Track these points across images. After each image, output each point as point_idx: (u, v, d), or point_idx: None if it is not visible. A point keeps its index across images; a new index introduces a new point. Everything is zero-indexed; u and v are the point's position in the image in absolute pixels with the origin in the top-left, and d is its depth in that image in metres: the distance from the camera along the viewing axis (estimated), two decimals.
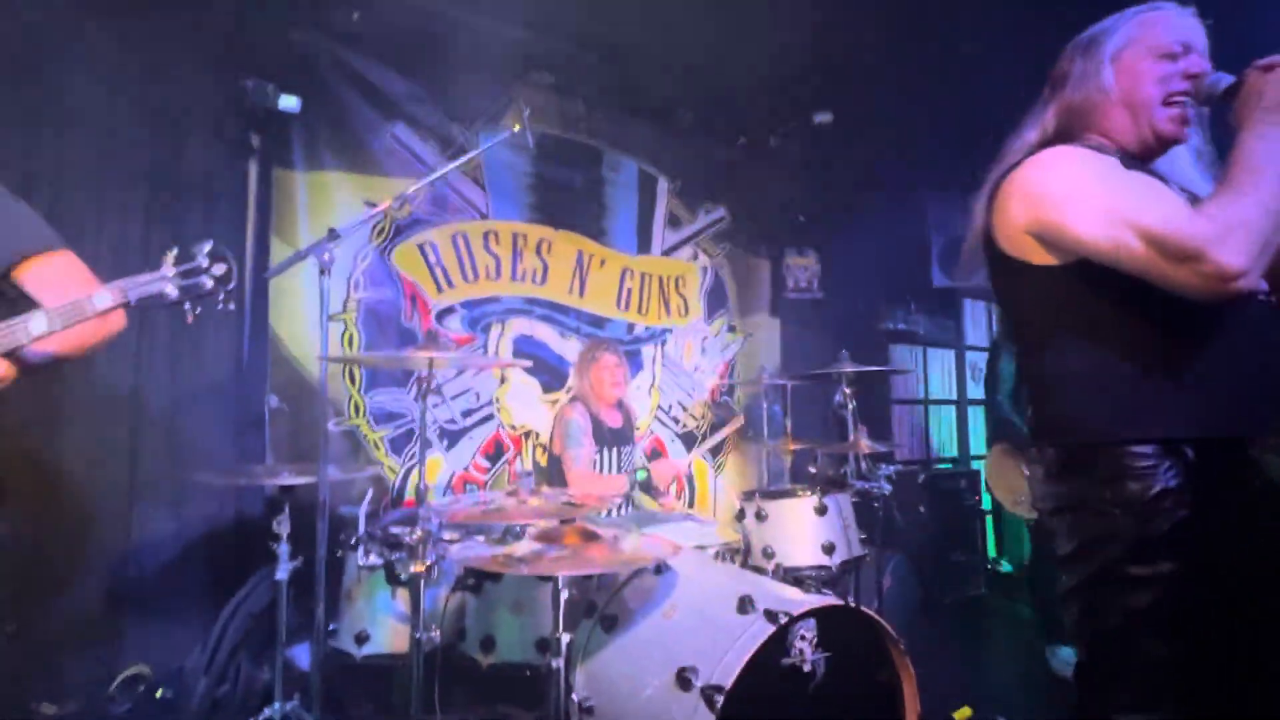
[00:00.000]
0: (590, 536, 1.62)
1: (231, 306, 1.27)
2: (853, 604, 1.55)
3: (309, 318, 2.58)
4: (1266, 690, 1.00)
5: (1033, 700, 2.34)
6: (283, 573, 1.89)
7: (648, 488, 2.87)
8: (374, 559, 1.71)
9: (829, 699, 1.51)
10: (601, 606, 1.80)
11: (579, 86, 3.34)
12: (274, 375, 2.55)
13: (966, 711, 1.50)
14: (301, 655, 2.18)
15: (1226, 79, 1.02)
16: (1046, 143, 1.11)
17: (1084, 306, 1.03)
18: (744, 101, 3.65)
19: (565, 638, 1.54)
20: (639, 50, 3.19)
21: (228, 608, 2.13)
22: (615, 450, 2.75)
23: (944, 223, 4.28)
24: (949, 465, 4.53)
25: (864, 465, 2.40)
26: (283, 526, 1.91)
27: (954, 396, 4.78)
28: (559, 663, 1.54)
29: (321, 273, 1.83)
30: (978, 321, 4.91)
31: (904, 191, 4.36)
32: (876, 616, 1.57)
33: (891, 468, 2.46)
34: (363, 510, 1.78)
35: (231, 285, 1.25)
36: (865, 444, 2.32)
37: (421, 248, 2.92)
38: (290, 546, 1.91)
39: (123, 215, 2.33)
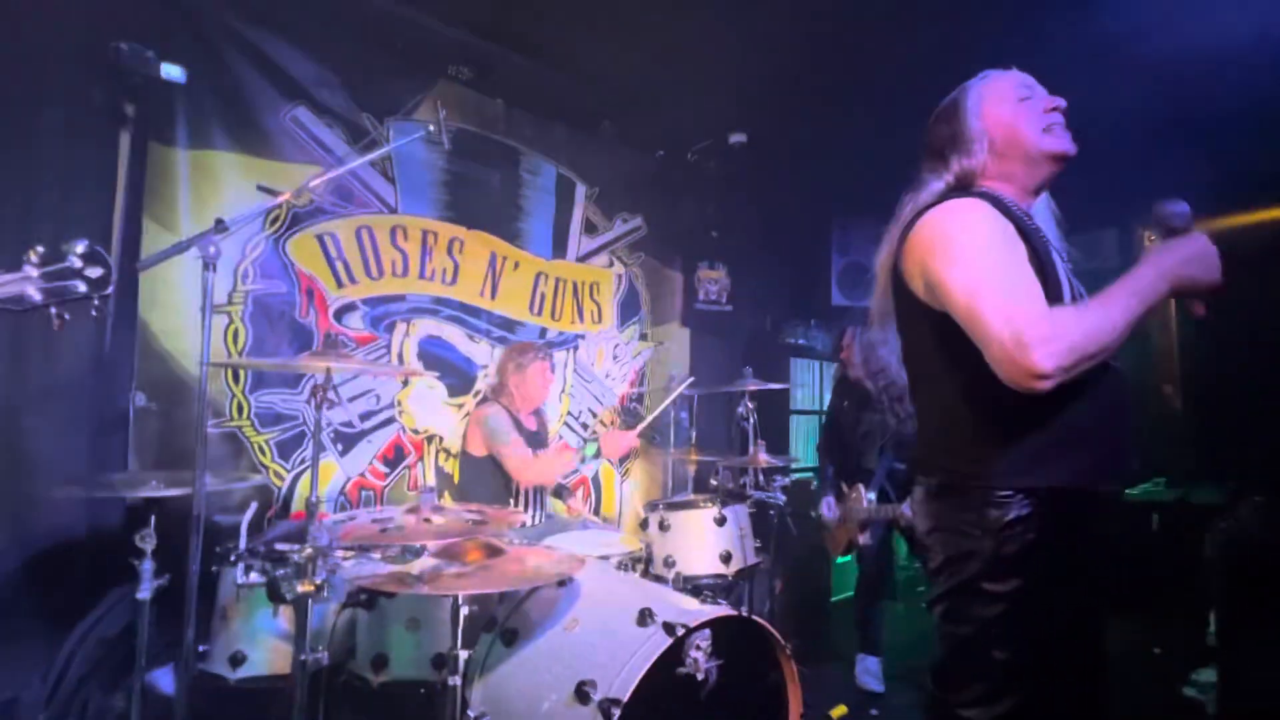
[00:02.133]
0: (493, 551, 1.61)
1: (96, 311, 1.14)
2: (745, 613, 1.64)
3: (187, 310, 2.36)
4: (1090, 689, 1.16)
5: (911, 697, 2.57)
6: (145, 591, 1.73)
7: (562, 489, 2.86)
8: (255, 576, 1.60)
9: (720, 704, 1.59)
10: (502, 621, 1.79)
11: (499, 85, 3.27)
12: (142, 371, 2.31)
13: (842, 709, 1.62)
14: (165, 680, 1.99)
15: (1182, 218, 1.09)
16: (951, 191, 1.20)
17: (963, 354, 1.10)
18: (664, 116, 3.73)
19: (464, 654, 1.52)
20: (562, 56, 3.18)
21: (75, 633, 1.91)
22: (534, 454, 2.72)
23: (845, 246, 4.60)
24: None
25: (761, 477, 2.52)
26: (147, 541, 1.74)
27: None
28: (456, 680, 1.52)
29: (206, 267, 1.69)
30: None
31: (810, 214, 4.63)
32: (766, 624, 1.67)
33: (786, 480, 2.61)
34: (245, 522, 1.66)
35: (109, 290, 1.13)
36: (763, 458, 2.44)
37: (321, 239, 2.75)
38: (155, 563, 1.74)
39: None
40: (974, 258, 1.07)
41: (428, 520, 1.42)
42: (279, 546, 1.61)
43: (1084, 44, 2.75)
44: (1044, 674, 1.09)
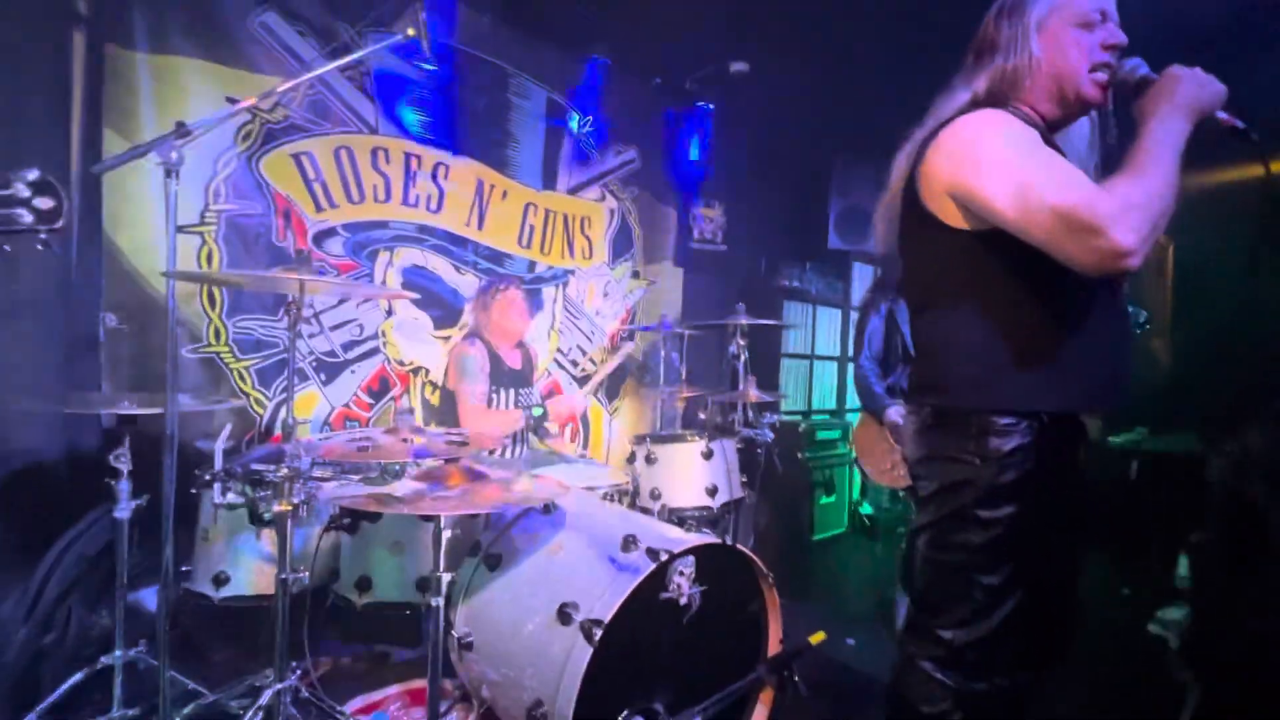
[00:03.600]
0: (476, 476, 1.58)
1: (43, 245, 1.07)
2: (729, 542, 1.64)
3: (155, 226, 2.25)
4: (1063, 607, 1.20)
5: (878, 626, 2.65)
6: (123, 511, 1.71)
7: (540, 428, 2.85)
8: (232, 497, 1.58)
9: (702, 628, 1.61)
10: (487, 545, 1.79)
11: (488, 0, 3.06)
12: (111, 291, 2.22)
13: (820, 635, 1.66)
14: (150, 599, 2.00)
15: (1144, 68, 1.09)
16: (977, 104, 1.15)
17: (980, 276, 1.10)
18: (663, 41, 3.52)
19: (446, 577, 1.51)
20: None
21: (54, 548, 1.90)
22: (513, 391, 2.69)
23: (845, 188, 4.45)
24: (827, 416, 4.88)
25: (750, 414, 2.51)
26: (123, 461, 1.70)
27: (838, 354, 5.10)
28: (439, 601, 1.52)
29: (168, 174, 1.57)
30: (865, 284, 5.23)
31: (811, 153, 4.47)
32: (750, 553, 1.67)
33: (775, 417, 2.60)
34: (220, 444, 1.62)
35: (59, 224, 1.05)
36: (753, 394, 2.42)
37: (297, 159, 2.61)
38: (131, 484, 1.71)
39: None
40: (1014, 159, 1.02)
41: (406, 440, 1.38)
42: (255, 467, 1.58)
43: None
44: (1024, 594, 1.09)
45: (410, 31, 1.91)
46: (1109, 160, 1.19)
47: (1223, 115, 1.04)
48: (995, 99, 1.15)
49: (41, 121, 2.12)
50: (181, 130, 1.58)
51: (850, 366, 5.04)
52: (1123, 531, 3.35)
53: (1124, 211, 0.93)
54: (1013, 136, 1.06)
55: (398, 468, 1.49)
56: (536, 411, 2.59)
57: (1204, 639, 2.28)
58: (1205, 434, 3.00)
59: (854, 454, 2.68)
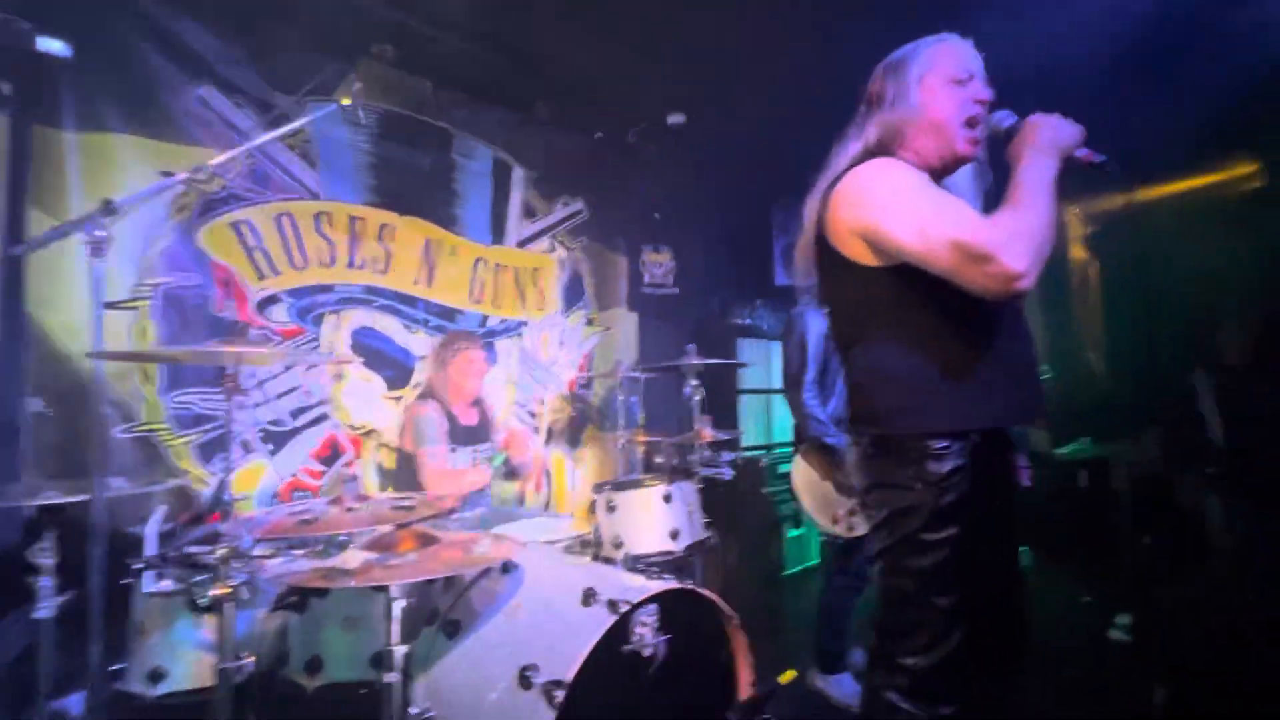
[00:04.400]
0: (428, 541, 1.54)
1: None
2: (690, 586, 1.62)
3: (84, 306, 2.16)
4: (1014, 619, 1.25)
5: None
6: (45, 610, 1.59)
7: (510, 473, 2.80)
8: (166, 584, 1.49)
9: (671, 678, 1.57)
10: (444, 612, 1.72)
11: (426, 65, 3.14)
12: (37, 375, 2.12)
13: (791, 674, 1.64)
14: (77, 706, 1.85)
15: (1010, 119, 1.22)
16: (869, 154, 1.27)
17: (898, 308, 1.19)
18: (602, 97, 3.66)
19: (400, 650, 1.45)
20: (492, 35, 3.08)
21: None
22: (471, 450, 2.64)
23: (785, 226, 4.65)
24: (789, 449, 4.92)
25: (708, 453, 2.52)
26: (45, 556, 1.60)
27: None
28: (394, 677, 1.45)
29: (94, 254, 1.54)
30: None
31: (751, 195, 4.66)
32: (712, 596, 1.66)
33: (734, 454, 2.62)
34: (152, 528, 1.54)
35: None
36: (708, 433, 2.44)
37: (237, 228, 2.59)
38: (56, 580, 1.60)
39: None
40: (911, 199, 1.14)
41: (351, 510, 1.34)
42: (190, 550, 1.50)
43: (1008, 23, 2.82)
44: (976, 612, 1.12)
45: (345, 101, 1.95)
46: (989, 202, 1.30)
47: (1082, 152, 1.17)
48: (884, 148, 1.27)
49: None
50: (108, 208, 1.56)
51: None
52: (1078, 540, 3.45)
53: (1011, 240, 1.04)
54: (907, 179, 1.18)
55: (343, 538, 1.44)
56: (496, 460, 2.56)
57: (1153, 640, 2.35)
58: (1104, 439, 3.16)
59: (795, 493, 2.56)
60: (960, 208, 1.12)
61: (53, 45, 2.11)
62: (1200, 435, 2.56)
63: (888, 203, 1.14)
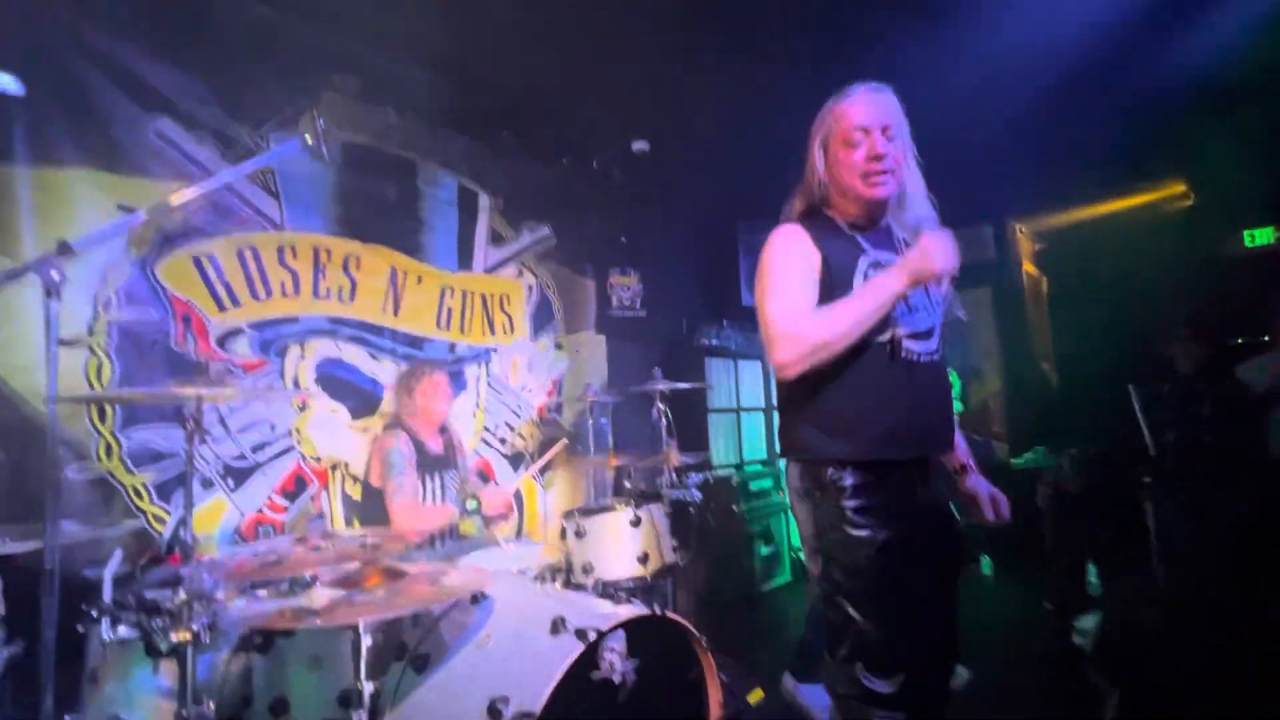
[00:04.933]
0: (395, 575, 1.54)
1: None
2: (657, 611, 1.65)
3: (38, 346, 2.12)
4: (942, 628, 1.36)
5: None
6: None
7: (480, 516, 2.79)
8: (124, 631, 1.45)
9: (641, 704, 1.59)
10: (413, 647, 1.71)
11: (388, 95, 3.17)
12: None
13: (758, 693, 1.67)
14: None
15: (926, 220, 1.41)
16: (800, 209, 1.45)
17: None
18: (566, 125, 3.74)
19: (369, 687, 1.44)
20: (455, 65, 3.13)
21: None
22: (438, 477, 2.63)
23: (751, 247, 4.76)
24: (759, 466, 5.00)
25: (675, 476, 2.56)
26: None
27: (763, 404, 5.29)
28: (362, 715, 1.44)
29: (48, 294, 1.52)
30: None
31: (716, 217, 4.77)
32: (680, 619, 1.68)
33: (702, 475, 2.66)
34: (109, 572, 1.50)
35: None
36: (675, 456, 2.48)
37: (197, 261, 2.56)
38: (4, 631, 1.55)
39: None
40: (765, 274, 1.35)
41: (316, 549, 1.34)
42: (149, 595, 1.47)
43: (956, 44, 2.99)
44: (898, 624, 1.26)
45: (308, 138, 1.96)
46: None
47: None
48: (811, 206, 1.43)
49: None
50: (63, 248, 1.54)
51: (775, 415, 5.24)
52: (1037, 548, 3.56)
53: (788, 338, 1.27)
54: (779, 257, 1.36)
55: (307, 578, 1.43)
56: (471, 505, 2.55)
57: (1109, 642, 2.44)
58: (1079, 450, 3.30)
59: (788, 500, 2.71)
60: (787, 295, 1.31)
61: (3, 80, 2.09)
62: (1137, 444, 2.70)
63: (760, 273, 1.36)
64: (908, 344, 1.35)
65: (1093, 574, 3.38)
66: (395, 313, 3.16)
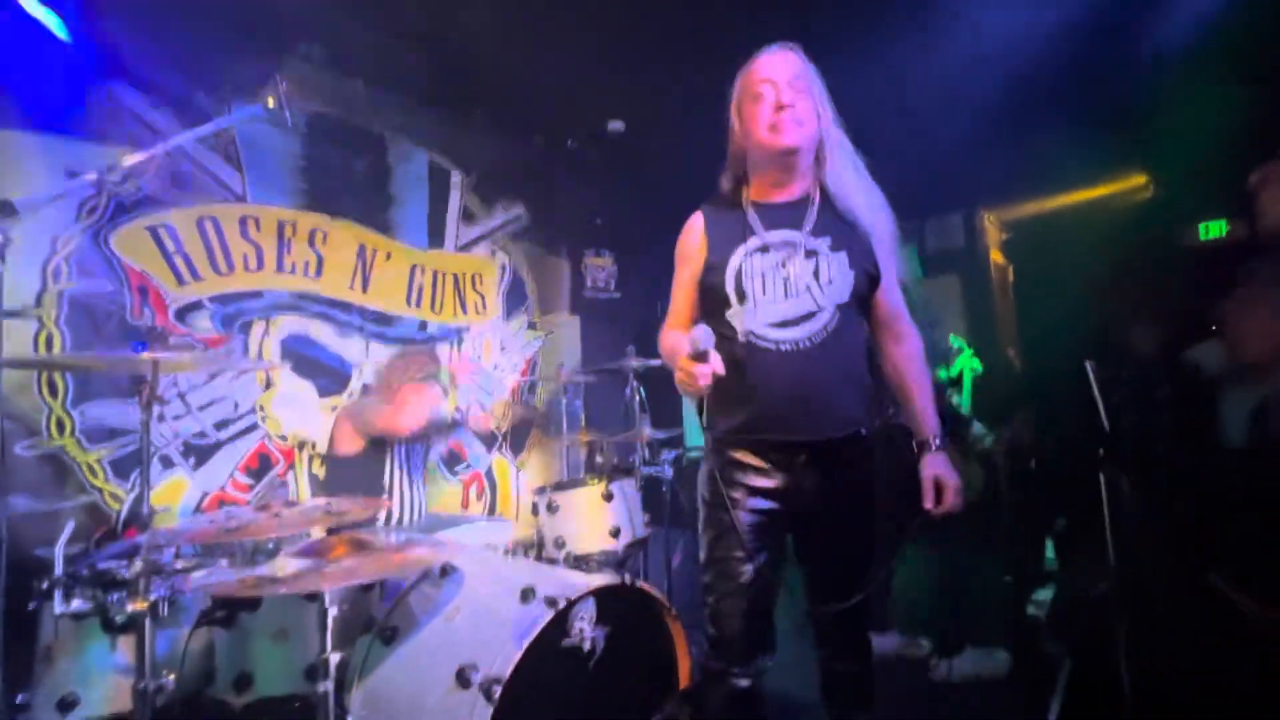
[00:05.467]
0: (363, 546, 1.52)
1: None
2: (628, 581, 1.66)
3: None
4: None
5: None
6: None
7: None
8: (78, 604, 1.41)
9: (611, 672, 1.60)
10: (382, 619, 1.70)
11: (358, 66, 3.08)
12: None
13: None
14: None
15: (705, 338, 1.33)
16: (728, 186, 1.49)
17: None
18: (540, 103, 3.68)
19: (335, 658, 1.43)
20: (428, 36, 3.05)
21: None
22: (405, 451, 2.58)
23: None
24: None
25: (649, 453, 2.57)
26: None
27: None
28: (327, 685, 1.42)
29: None
30: None
31: (690, 200, 4.77)
32: (650, 589, 1.70)
33: (675, 452, 2.68)
34: (60, 546, 1.46)
35: None
36: (647, 433, 2.49)
37: (154, 231, 2.47)
38: None
39: None
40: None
41: (278, 515, 1.31)
42: (104, 566, 1.43)
43: (926, 37, 3.02)
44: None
45: (270, 103, 1.90)
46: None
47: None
48: (737, 178, 1.46)
49: None
50: (7, 209, 1.48)
51: None
52: (999, 526, 3.68)
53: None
54: (677, 253, 1.51)
55: (270, 545, 1.41)
56: (443, 376, 2.44)
57: (1061, 612, 2.54)
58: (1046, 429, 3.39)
59: None
60: (672, 300, 1.50)
61: None
62: (1093, 420, 2.79)
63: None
64: (771, 334, 1.34)
65: (1050, 549, 3.50)
66: (364, 289, 3.10)
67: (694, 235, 1.44)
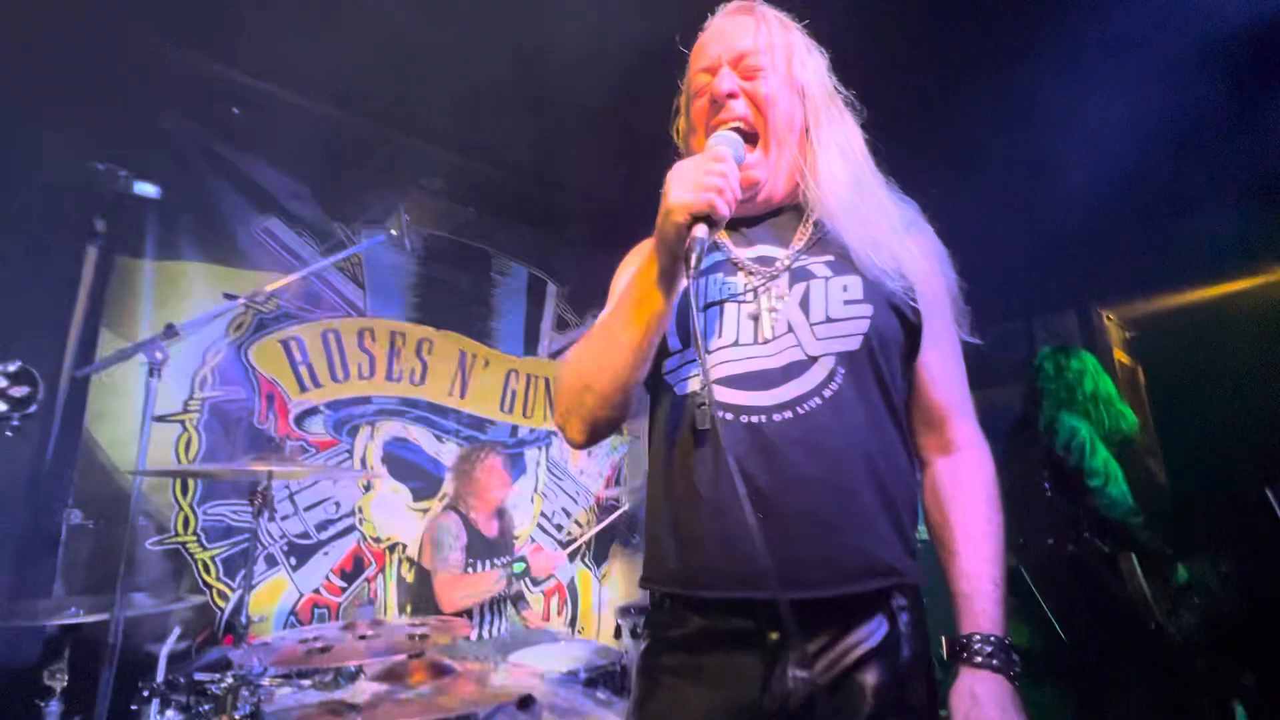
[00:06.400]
0: (442, 671, 1.46)
1: (12, 432, 1.12)
2: None
3: (137, 421, 2.27)
4: None
5: None
6: None
7: (520, 600, 2.68)
8: (172, 715, 1.43)
9: None
10: None
11: (469, 193, 3.42)
12: (82, 486, 2.19)
13: None
14: None
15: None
16: None
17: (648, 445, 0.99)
18: (628, 219, 3.88)
19: None
20: (529, 165, 3.36)
21: None
22: (488, 564, 2.57)
23: None
24: None
25: None
26: (58, 678, 1.56)
27: None
28: None
29: (151, 373, 1.64)
30: None
31: None
32: None
33: None
34: (165, 650, 1.50)
35: (32, 409, 1.12)
36: None
37: (285, 344, 2.74)
38: (63, 705, 1.56)
39: None
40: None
41: (363, 637, 1.29)
42: (199, 676, 1.45)
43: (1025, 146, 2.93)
44: None
45: (394, 231, 2.12)
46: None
47: (701, 232, 0.77)
48: None
49: (46, 323, 2.24)
50: (169, 331, 1.68)
51: None
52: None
53: (558, 391, 0.91)
54: (612, 284, 1.10)
55: (353, 668, 1.38)
56: (517, 568, 2.45)
57: None
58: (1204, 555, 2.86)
59: None
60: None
61: (146, 188, 2.38)
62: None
63: None
64: (731, 397, 0.83)
65: (1241, 715, 2.85)
66: (462, 395, 3.24)
67: (630, 264, 1.03)
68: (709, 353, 0.86)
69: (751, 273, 0.91)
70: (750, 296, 0.89)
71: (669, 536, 0.85)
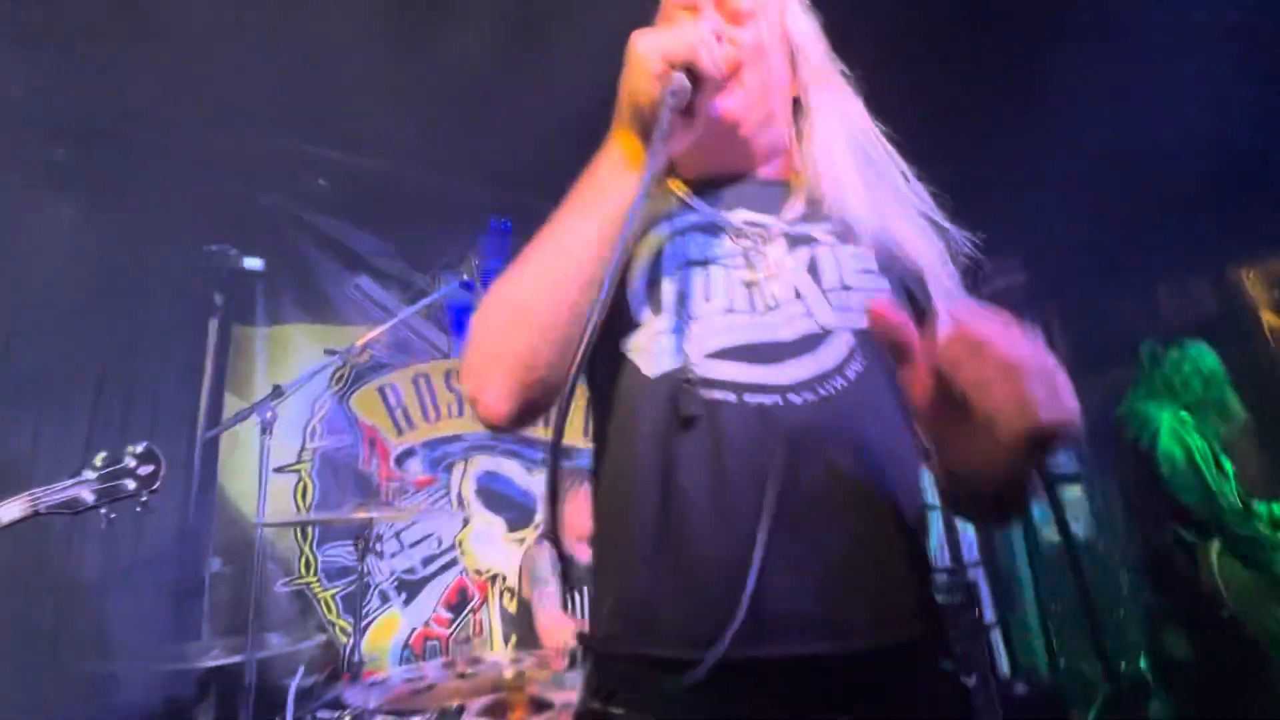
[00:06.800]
0: (542, 706, 1.47)
1: (141, 507, 1.25)
2: None
3: (259, 473, 2.50)
4: None
5: None
6: None
7: None
8: None
9: None
10: None
11: (536, 230, 3.53)
12: (220, 536, 2.43)
13: None
14: None
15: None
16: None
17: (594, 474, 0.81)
18: None
19: None
20: None
21: None
22: (588, 590, 2.59)
23: None
24: None
25: None
26: (205, 715, 1.72)
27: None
28: None
29: (263, 431, 1.80)
30: None
31: None
32: None
33: None
34: (293, 688, 1.61)
35: (156, 486, 1.25)
36: None
37: (382, 391, 2.92)
38: None
39: (75, 378, 2.32)
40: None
41: (462, 675, 1.33)
42: (321, 716, 1.54)
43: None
44: None
45: (466, 275, 2.22)
46: None
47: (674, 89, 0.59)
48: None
49: (178, 396, 2.52)
50: (277, 392, 1.84)
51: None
52: None
53: (469, 347, 0.66)
54: None
55: (455, 709, 1.42)
56: None
57: None
58: None
59: None
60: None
61: (253, 262, 2.64)
62: None
63: None
64: (728, 372, 0.66)
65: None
66: (546, 425, 3.31)
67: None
68: (694, 319, 0.68)
69: (740, 234, 0.73)
70: (741, 261, 0.71)
71: (646, 572, 0.63)
